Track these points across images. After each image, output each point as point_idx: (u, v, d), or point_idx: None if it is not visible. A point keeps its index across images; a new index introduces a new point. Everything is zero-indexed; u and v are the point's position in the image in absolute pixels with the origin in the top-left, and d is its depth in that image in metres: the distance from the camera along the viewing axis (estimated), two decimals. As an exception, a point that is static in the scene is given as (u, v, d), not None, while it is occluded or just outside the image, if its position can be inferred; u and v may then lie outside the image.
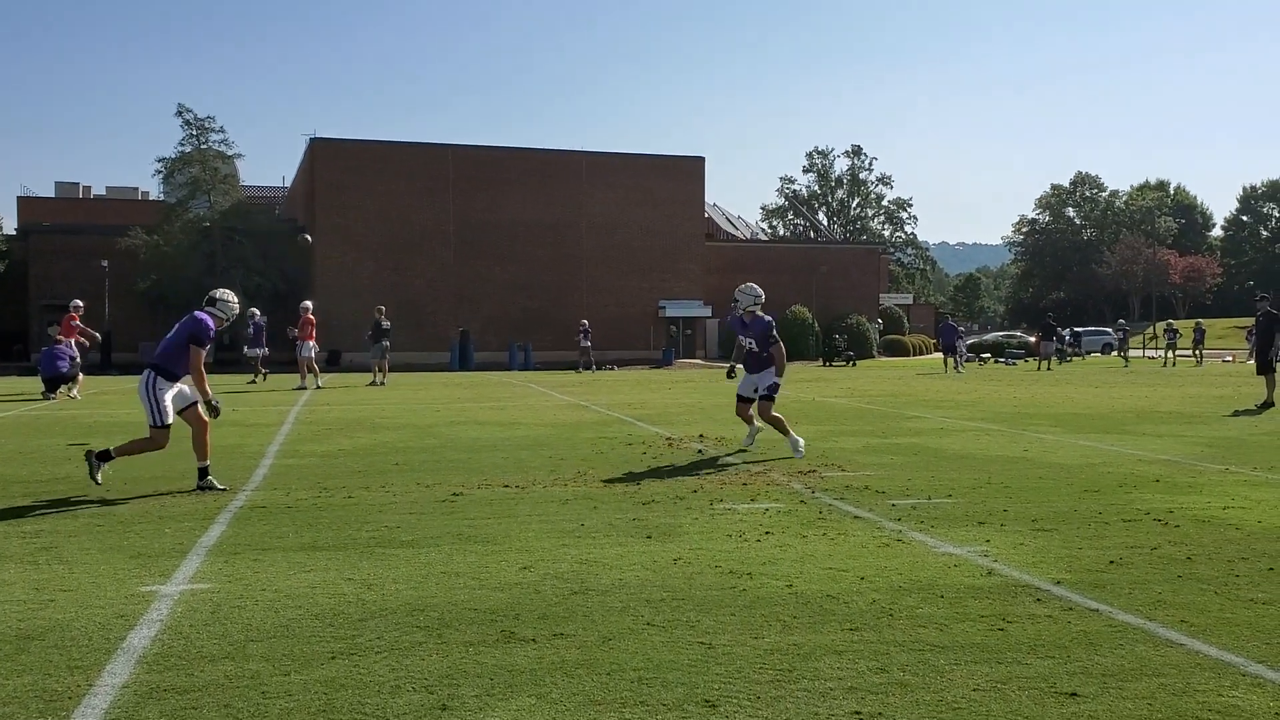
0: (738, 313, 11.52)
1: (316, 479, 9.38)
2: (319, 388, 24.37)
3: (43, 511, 7.80)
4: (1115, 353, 41.74)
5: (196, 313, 9.03)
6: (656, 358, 51.10)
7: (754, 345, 11.33)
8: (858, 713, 3.77)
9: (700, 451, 11.38)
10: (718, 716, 3.74)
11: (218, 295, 9.41)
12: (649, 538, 6.80)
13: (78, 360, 21.74)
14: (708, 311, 55.47)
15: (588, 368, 38.29)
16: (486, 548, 6.51)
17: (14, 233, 55.13)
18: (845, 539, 6.77)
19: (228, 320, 9.36)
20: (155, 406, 8.75)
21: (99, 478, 8.56)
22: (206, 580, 5.67)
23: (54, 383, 20.83)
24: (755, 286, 11.54)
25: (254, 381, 27.11)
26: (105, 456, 8.59)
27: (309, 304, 26.26)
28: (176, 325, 9.03)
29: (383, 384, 26.27)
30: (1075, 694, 3.98)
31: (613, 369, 42.02)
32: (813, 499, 8.32)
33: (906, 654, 4.43)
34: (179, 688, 3.99)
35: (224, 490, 8.70)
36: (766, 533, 6.95)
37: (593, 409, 17.71)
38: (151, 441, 8.82)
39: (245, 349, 28.30)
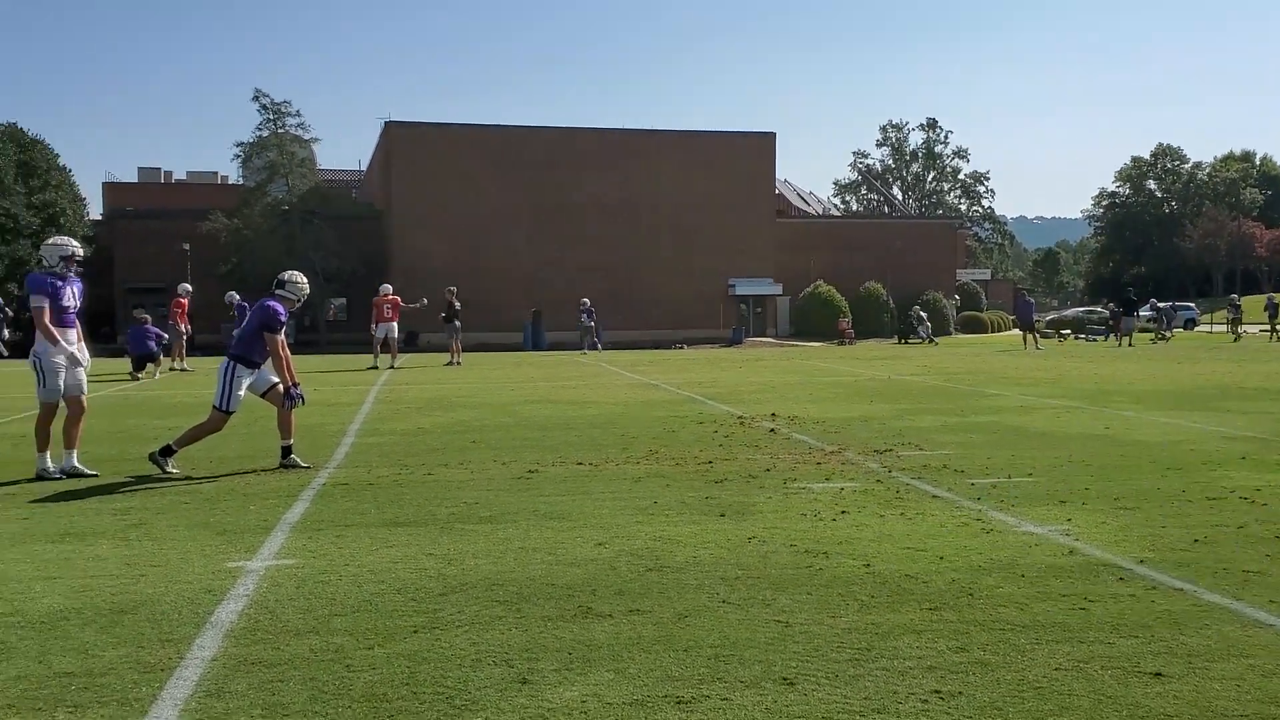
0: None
1: (396, 456, 9.53)
2: (394, 368, 24.58)
3: (132, 489, 8.03)
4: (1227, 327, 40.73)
5: (266, 301, 9.17)
6: (726, 336, 50.98)
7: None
8: (937, 691, 3.75)
9: (773, 430, 11.34)
10: (795, 694, 3.74)
11: (286, 278, 9.55)
12: (722, 516, 6.81)
13: (165, 339, 22.48)
14: (778, 289, 55.18)
15: (593, 348, 35.24)
16: (562, 524, 6.57)
17: (100, 218, 56.65)
18: (923, 518, 6.71)
19: (299, 302, 9.51)
20: (226, 391, 8.92)
21: (172, 470, 8.72)
22: (291, 556, 5.80)
23: (141, 361, 21.50)
24: None
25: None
26: (168, 452, 8.76)
27: (388, 286, 26.39)
28: (249, 313, 9.19)
29: (459, 364, 26.55)
30: (1160, 674, 3.91)
31: (682, 348, 42.01)
32: (889, 478, 8.25)
33: (986, 633, 4.39)
34: (266, 661, 4.10)
35: (307, 468, 8.88)
36: (842, 512, 6.91)
37: (663, 388, 17.74)
38: (210, 424, 8.98)
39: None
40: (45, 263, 8.67)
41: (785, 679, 3.88)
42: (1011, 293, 78.20)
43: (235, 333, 26.00)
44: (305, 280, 9.67)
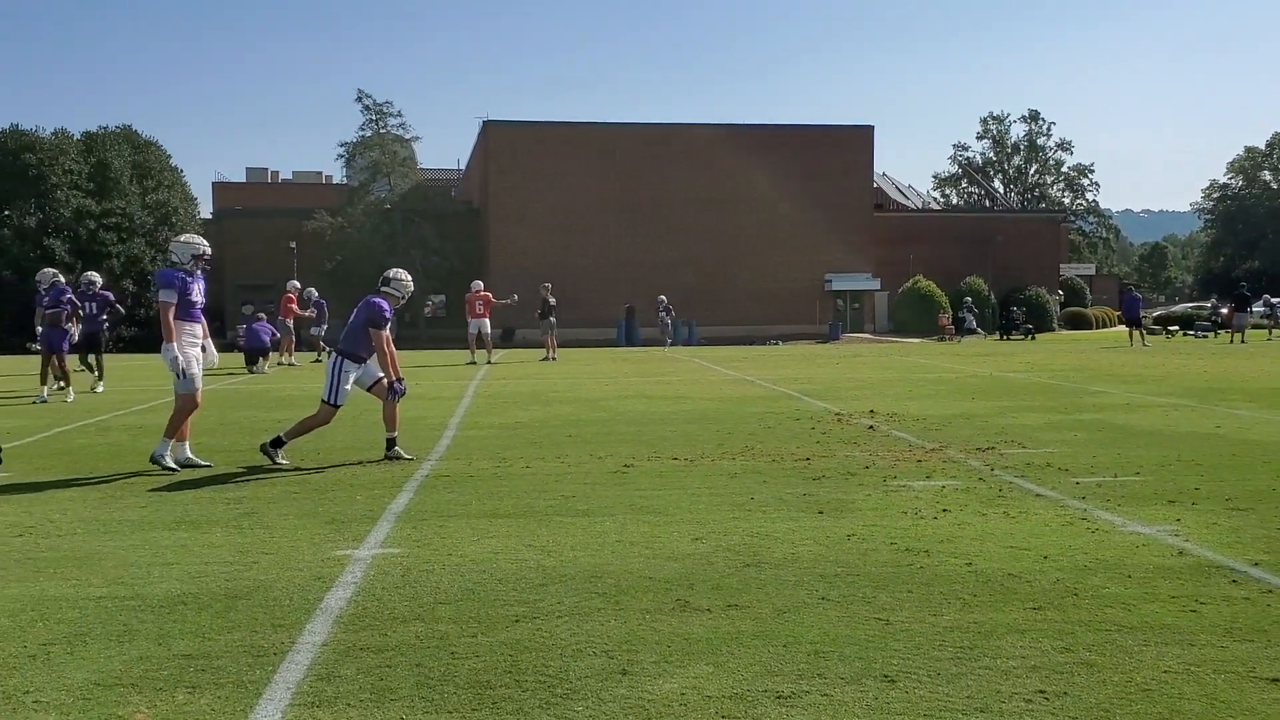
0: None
1: (496, 449, 9.67)
2: (490, 363, 24.90)
3: (244, 479, 8.29)
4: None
5: (371, 298, 9.36)
6: (822, 332, 50.55)
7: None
8: (1042, 692, 3.69)
9: (871, 428, 11.23)
10: (897, 691, 3.72)
11: (391, 275, 9.74)
12: (820, 513, 6.77)
13: (278, 336, 23.34)
14: (876, 284, 54.53)
15: (672, 344, 36.72)
16: (658, 518, 6.61)
17: (210, 217, 58.43)
18: (1027, 517, 6.59)
19: (403, 299, 9.69)
20: (334, 385, 9.15)
21: (281, 461, 8.95)
22: (396, 545, 5.93)
23: (254, 355, 22.34)
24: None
25: (319, 360, 26.75)
26: (278, 443, 8.99)
27: (479, 283, 26.75)
28: (355, 310, 9.41)
29: (554, 359, 26.80)
30: (1277, 680, 3.80)
31: (777, 344, 41.78)
32: (992, 476, 8.12)
33: (1092, 634, 4.31)
34: (374, 647, 4.21)
35: (410, 460, 9.06)
36: (944, 510, 6.83)
37: (758, 384, 17.68)
38: (318, 417, 9.23)
39: (310, 329, 28.13)
40: (175, 259, 8.97)
41: (886, 676, 3.86)
42: (1117, 288, 76.17)
43: (314, 330, 26.23)
44: (409, 277, 9.85)
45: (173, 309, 8.65)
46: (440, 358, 28.28)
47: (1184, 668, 3.93)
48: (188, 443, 8.96)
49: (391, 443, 9.22)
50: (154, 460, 8.65)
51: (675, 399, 14.87)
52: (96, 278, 17.57)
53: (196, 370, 8.84)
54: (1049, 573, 5.25)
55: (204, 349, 9.02)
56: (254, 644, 4.26)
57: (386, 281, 9.67)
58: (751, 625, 4.45)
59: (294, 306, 25.19)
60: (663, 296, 38.25)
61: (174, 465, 8.70)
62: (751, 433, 10.82)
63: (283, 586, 5.10)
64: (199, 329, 8.93)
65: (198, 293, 8.89)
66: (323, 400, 9.20)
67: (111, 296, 17.68)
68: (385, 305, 9.30)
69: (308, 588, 5.07)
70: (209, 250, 9.14)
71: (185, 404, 8.78)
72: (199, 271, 8.97)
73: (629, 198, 51.69)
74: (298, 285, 25.73)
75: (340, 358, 9.22)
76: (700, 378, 19.52)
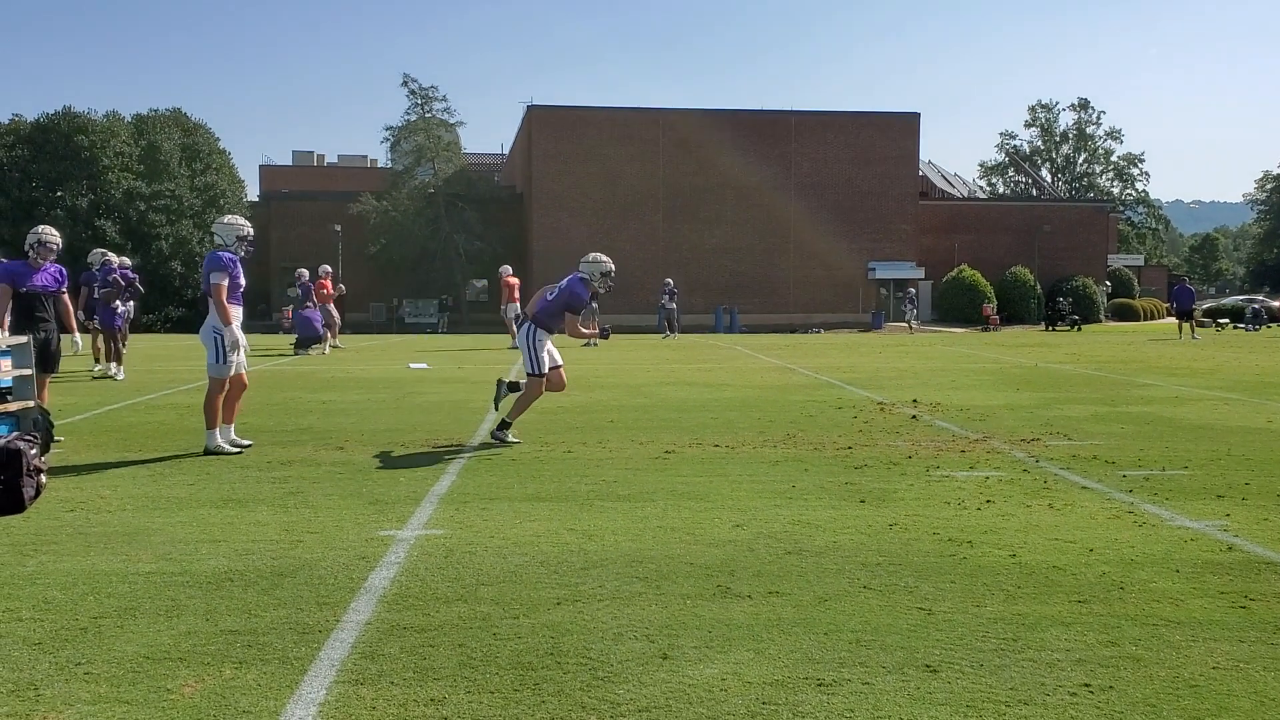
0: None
1: (537, 434, 9.70)
2: (324, 352, 23.72)
3: (289, 459, 8.37)
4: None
5: (575, 281, 9.58)
6: (866, 321, 50.23)
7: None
8: (1087, 685, 3.66)
9: (914, 417, 11.15)
10: (939, 681, 3.70)
11: (590, 258, 9.94)
12: (862, 502, 6.74)
13: (324, 322, 23.54)
14: (920, 273, 54.08)
15: (672, 330, 33.37)
16: (700, 504, 6.61)
17: (257, 199, 58.99)
18: (1072, 510, 6.52)
19: (598, 278, 9.76)
20: (533, 356, 9.40)
21: (513, 439, 9.17)
22: (439, 526, 5.98)
23: (306, 342, 22.64)
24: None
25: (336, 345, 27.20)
26: (504, 426, 9.25)
27: (508, 268, 26.82)
28: (557, 289, 9.63)
29: (596, 344, 26.83)
30: (1329, 679, 3.74)
31: (819, 333, 41.56)
32: (1036, 468, 8.04)
33: (1139, 628, 4.26)
34: (417, 626, 4.24)
35: (517, 443, 9.10)
36: (987, 501, 6.77)
37: (800, 372, 17.60)
38: (531, 391, 9.46)
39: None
40: (220, 240, 9.01)
41: (928, 666, 3.84)
42: (1166, 279, 75.04)
43: (301, 314, 26.04)
44: (605, 259, 9.88)
45: (225, 291, 8.70)
46: (482, 342, 28.40)
47: (1233, 664, 3.87)
48: (233, 426, 9.01)
49: (505, 425, 9.34)
50: (209, 453, 8.68)
51: (717, 386, 14.84)
52: (113, 256, 17.28)
53: (236, 357, 8.86)
54: (1094, 566, 5.20)
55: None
56: (299, 621, 4.32)
57: (583, 263, 9.87)
58: (792, 612, 4.44)
59: (329, 289, 25.28)
60: (669, 280, 35.71)
61: (230, 448, 8.71)
62: (793, 421, 10.78)
63: (327, 565, 5.15)
64: (240, 312, 8.99)
65: (241, 276, 8.97)
66: (528, 374, 9.46)
67: (132, 275, 17.19)
68: (583, 292, 9.52)
69: (352, 567, 5.12)
70: (251, 231, 9.20)
71: (215, 387, 8.82)
72: (241, 254, 9.04)
73: (672, 183, 51.58)
74: (329, 269, 25.86)
75: (533, 327, 9.46)
76: (742, 365, 19.47)
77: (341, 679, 3.70)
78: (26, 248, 9.62)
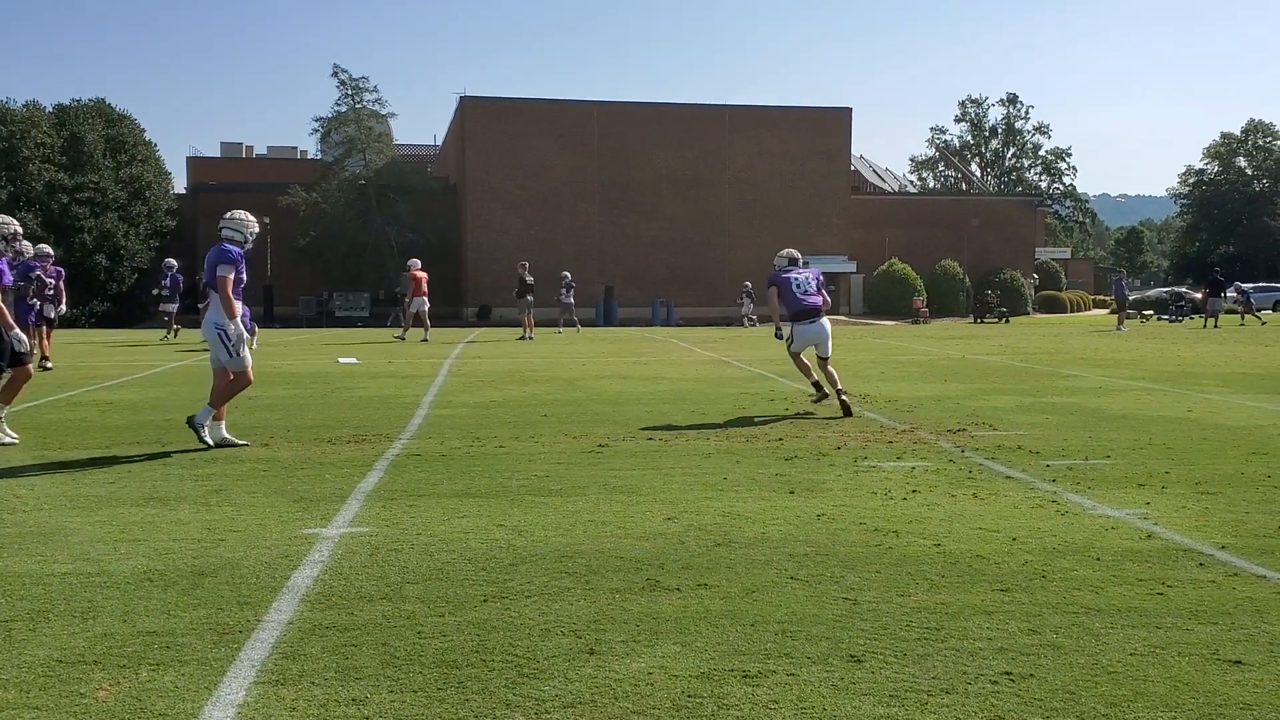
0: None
1: (469, 429, 9.63)
2: (424, 340, 24.98)
3: (213, 456, 8.21)
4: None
5: (786, 269, 11.25)
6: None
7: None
8: (1008, 673, 3.70)
9: (815, 402, 11.24)
10: (863, 671, 3.72)
11: (786, 253, 11.61)
12: (792, 493, 6.78)
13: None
14: (852, 267, 54.61)
15: (570, 325, 32.28)
16: (631, 498, 6.60)
17: (184, 191, 57.88)
18: (996, 499, 6.62)
19: (784, 266, 11.40)
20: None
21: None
22: (365, 524, 5.90)
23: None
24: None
25: (167, 338, 26.53)
26: (847, 410, 10.50)
27: (416, 261, 26.61)
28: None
29: (531, 338, 26.75)
30: (1240, 662, 3.82)
31: (754, 325, 41.82)
32: (962, 458, 8.15)
33: (1060, 616, 4.33)
34: (340, 625, 4.18)
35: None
36: (913, 491, 6.85)
37: (735, 365, 17.69)
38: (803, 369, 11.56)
39: (160, 304, 27.24)
40: (229, 235, 8.90)
41: (853, 656, 3.86)
42: (1093, 272, 76.60)
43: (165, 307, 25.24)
44: (789, 251, 11.52)
45: (230, 284, 8.65)
46: (413, 335, 28.17)
47: (1149, 650, 3.95)
48: (224, 423, 8.84)
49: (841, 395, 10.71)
50: (192, 425, 8.55)
51: (652, 379, 14.86)
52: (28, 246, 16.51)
53: (246, 350, 8.80)
54: (1017, 555, 5.27)
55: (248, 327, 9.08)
56: (219, 621, 4.23)
57: (794, 261, 11.32)
58: (720, 605, 4.45)
59: (421, 282, 25.34)
60: (566, 273, 33.72)
61: (210, 441, 8.58)
62: (726, 413, 10.82)
63: (250, 564, 5.06)
64: (241, 306, 8.91)
65: (243, 270, 8.90)
66: (819, 358, 11.22)
67: (38, 268, 16.33)
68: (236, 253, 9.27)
69: (275, 566, 5.03)
70: (256, 229, 9.16)
71: (239, 381, 8.79)
72: (249, 248, 9.01)
73: (607, 176, 51.53)
74: (418, 262, 25.90)
75: (793, 324, 11.22)
76: (677, 358, 19.52)
77: (261, 680, 3.63)
78: None
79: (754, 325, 39.48)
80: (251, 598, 4.53)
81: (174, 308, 27.08)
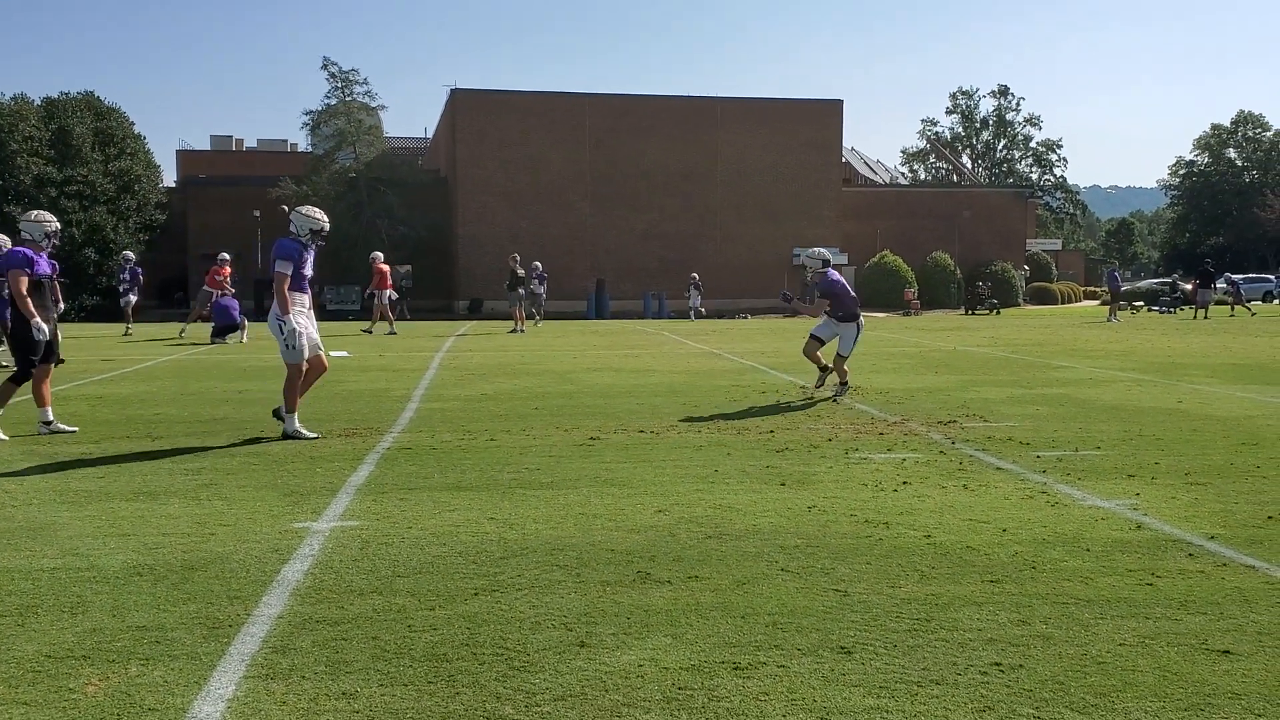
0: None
1: (460, 422, 9.62)
2: (391, 333, 24.82)
3: (203, 451, 8.20)
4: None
5: (831, 272, 11.65)
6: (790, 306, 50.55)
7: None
8: (998, 664, 3.71)
9: (835, 400, 11.26)
10: (853, 663, 3.73)
11: (821, 253, 12.11)
12: (783, 485, 6.79)
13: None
14: (843, 259, 54.58)
15: (530, 317, 29.86)
16: (623, 491, 6.60)
17: (174, 184, 57.63)
18: (986, 490, 6.63)
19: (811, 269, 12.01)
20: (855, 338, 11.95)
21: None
22: (355, 518, 5.89)
23: (224, 330, 22.21)
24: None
25: (129, 333, 26.13)
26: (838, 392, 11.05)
27: (379, 255, 26.62)
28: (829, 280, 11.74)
29: (522, 331, 26.72)
30: (1228, 652, 3.84)
31: (745, 318, 41.84)
32: (952, 450, 8.17)
33: (1049, 607, 4.34)
34: (330, 619, 4.17)
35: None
36: (904, 483, 6.86)
37: (726, 357, 17.69)
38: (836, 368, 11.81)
39: (120, 298, 26.57)
40: (294, 230, 8.97)
41: (843, 648, 3.87)
42: (1083, 263, 76.72)
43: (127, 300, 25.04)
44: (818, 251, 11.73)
45: (288, 280, 8.72)
46: (403, 329, 28.14)
47: (1138, 640, 3.96)
48: (295, 414, 8.90)
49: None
50: (287, 438, 8.68)
51: (643, 372, 14.85)
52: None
53: (304, 342, 8.83)
54: (1007, 546, 5.29)
55: (310, 316, 9.09)
56: (209, 616, 4.22)
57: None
58: (711, 597, 4.45)
59: (224, 276, 24.60)
60: (537, 263, 31.45)
61: (308, 433, 8.75)
62: (717, 405, 10.82)
63: (240, 559, 5.05)
64: (307, 299, 9.01)
65: (309, 265, 8.99)
66: (839, 354, 11.67)
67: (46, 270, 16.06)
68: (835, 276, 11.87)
69: (265, 560, 5.02)
70: (328, 226, 9.22)
71: (293, 373, 8.86)
72: (313, 245, 9.05)
73: (599, 168, 51.43)
74: (228, 257, 25.27)
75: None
76: (669, 351, 19.51)
77: (251, 674, 3.63)
78: (40, 236, 9.10)
79: (702, 317, 38.81)
80: (241, 592, 4.53)
81: (133, 300, 26.76)
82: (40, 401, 8.95)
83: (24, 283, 8.69)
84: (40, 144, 47.00)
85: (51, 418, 8.98)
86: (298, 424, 8.80)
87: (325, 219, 9.21)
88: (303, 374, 8.94)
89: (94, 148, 48.94)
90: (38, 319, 8.70)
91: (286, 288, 8.70)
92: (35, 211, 9.50)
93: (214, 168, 62.77)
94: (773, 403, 11.08)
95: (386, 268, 26.18)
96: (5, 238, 16.41)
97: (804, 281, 12.02)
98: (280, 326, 8.75)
